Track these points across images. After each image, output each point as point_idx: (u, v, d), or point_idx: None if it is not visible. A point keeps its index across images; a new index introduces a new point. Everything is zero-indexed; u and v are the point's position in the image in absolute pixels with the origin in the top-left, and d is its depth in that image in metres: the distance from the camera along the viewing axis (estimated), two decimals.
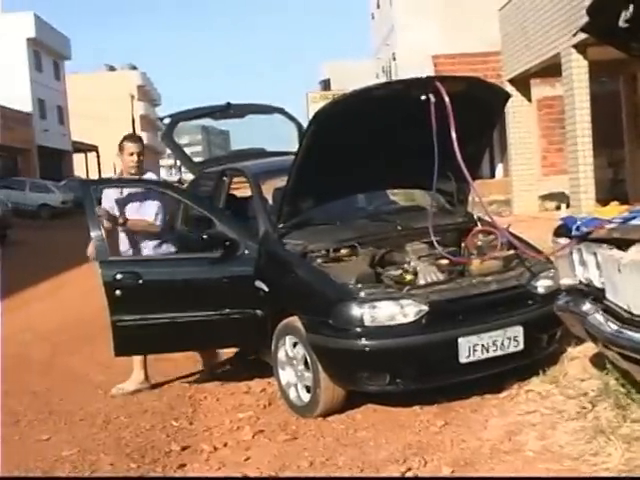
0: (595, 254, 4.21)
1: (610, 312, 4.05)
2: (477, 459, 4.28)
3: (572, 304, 4.48)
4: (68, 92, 53.42)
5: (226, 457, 4.84)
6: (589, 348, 5.40)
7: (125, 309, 5.86)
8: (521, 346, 5.21)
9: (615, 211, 4.49)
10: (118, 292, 5.80)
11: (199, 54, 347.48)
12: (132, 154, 6.46)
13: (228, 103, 8.00)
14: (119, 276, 5.84)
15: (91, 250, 6.17)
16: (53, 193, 34.78)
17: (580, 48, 14.11)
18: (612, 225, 4.19)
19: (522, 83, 18.40)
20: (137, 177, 6.54)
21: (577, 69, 14.36)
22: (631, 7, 4.30)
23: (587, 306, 4.29)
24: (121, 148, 6.51)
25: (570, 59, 14.42)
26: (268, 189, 6.53)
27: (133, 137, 6.73)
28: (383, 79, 35.68)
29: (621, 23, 4.41)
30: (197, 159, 8.52)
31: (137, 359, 6.39)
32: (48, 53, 49.89)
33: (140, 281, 5.85)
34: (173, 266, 6.27)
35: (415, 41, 30.15)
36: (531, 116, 19.26)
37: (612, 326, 3.98)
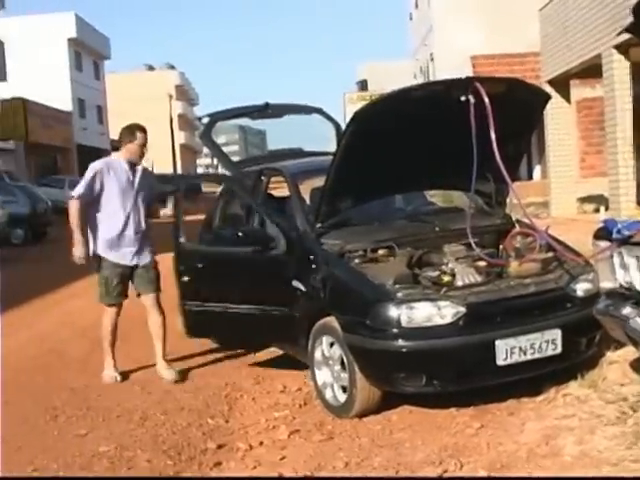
0: (637, 257, 4.16)
1: None
2: (514, 463, 4.24)
3: (612, 308, 4.44)
4: (107, 91, 53.99)
5: (262, 456, 4.85)
6: (629, 352, 5.34)
7: (189, 295, 6.78)
8: (559, 349, 5.16)
9: None
10: (185, 278, 6.77)
11: (236, 54, 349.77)
12: (142, 145, 6.67)
13: (266, 103, 8.00)
14: (185, 264, 6.65)
15: (79, 253, 6.63)
16: None
17: (622, 49, 13.94)
18: None
19: (561, 84, 18.23)
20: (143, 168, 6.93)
21: (619, 70, 14.19)
22: None
23: (628, 310, 4.24)
24: (132, 136, 6.64)
25: (612, 60, 14.25)
26: (306, 189, 6.54)
27: (144, 128, 6.80)
28: (421, 80, 35.54)
29: None
30: (234, 158, 8.56)
31: (158, 349, 6.78)
32: (88, 53, 50.47)
33: (201, 270, 6.59)
34: (228, 260, 6.66)
35: (453, 41, 29.98)
36: (570, 118, 19.07)
37: None
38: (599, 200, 17.70)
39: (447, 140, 5.53)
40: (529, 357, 5.07)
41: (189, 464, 4.81)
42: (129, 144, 6.65)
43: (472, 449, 4.53)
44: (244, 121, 8.79)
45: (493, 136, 5.28)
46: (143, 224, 6.74)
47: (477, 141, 5.32)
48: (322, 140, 8.00)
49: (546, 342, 5.11)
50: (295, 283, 5.79)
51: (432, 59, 34.41)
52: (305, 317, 5.71)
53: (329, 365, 5.52)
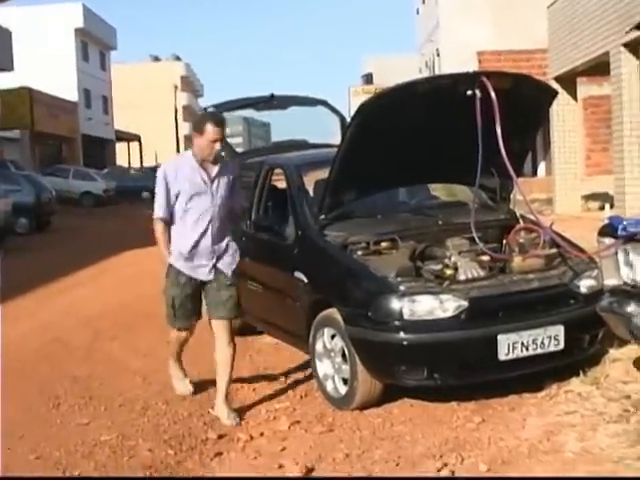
0: None
1: None
2: (515, 458, 4.25)
3: (616, 305, 4.43)
4: (113, 82, 53.97)
5: (262, 447, 4.85)
6: (633, 350, 5.34)
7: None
8: (561, 345, 5.14)
9: None
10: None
11: (242, 45, 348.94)
12: (213, 141, 5.22)
13: (272, 94, 8.01)
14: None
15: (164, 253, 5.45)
16: (96, 181, 35.15)
17: (631, 47, 13.86)
18: None
19: (568, 81, 18.19)
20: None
21: (627, 68, 14.12)
22: None
23: (632, 307, 4.23)
24: (201, 128, 5.25)
25: (620, 58, 14.18)
26: (310, 181, 6.53)
27: (218, 121, 5.32)
28: (426, 74, 35.48)
29: None
30: (238, 150, 8.55)
31: (221, 387, 5.53)
32: (95, 43, 50.47)
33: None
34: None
35: (460, 37, 29.95)
36: (576, 115, 19.03)
37: None
38: (604, 198, 17.68)
39: (452, 134, 5.53)
40: (531, 352, 5.06)
41: (190, 454, 4.81)
42: (197, 138, 5.28)
43: (473, 444, 4.53)
44: (248, 113, 8.82)
45: (499, 131, 5.27)
46: (223, 233, 5.45)
47: (482, 136, 5.31)
48: (326, 132, 8.01)
49: (548, 338, 5.10)
50: (297, 275, 5.80)
51: (438, 54, 34.36)
52: (307, 308, 5.71)
53: (330, 357, 5.52)
